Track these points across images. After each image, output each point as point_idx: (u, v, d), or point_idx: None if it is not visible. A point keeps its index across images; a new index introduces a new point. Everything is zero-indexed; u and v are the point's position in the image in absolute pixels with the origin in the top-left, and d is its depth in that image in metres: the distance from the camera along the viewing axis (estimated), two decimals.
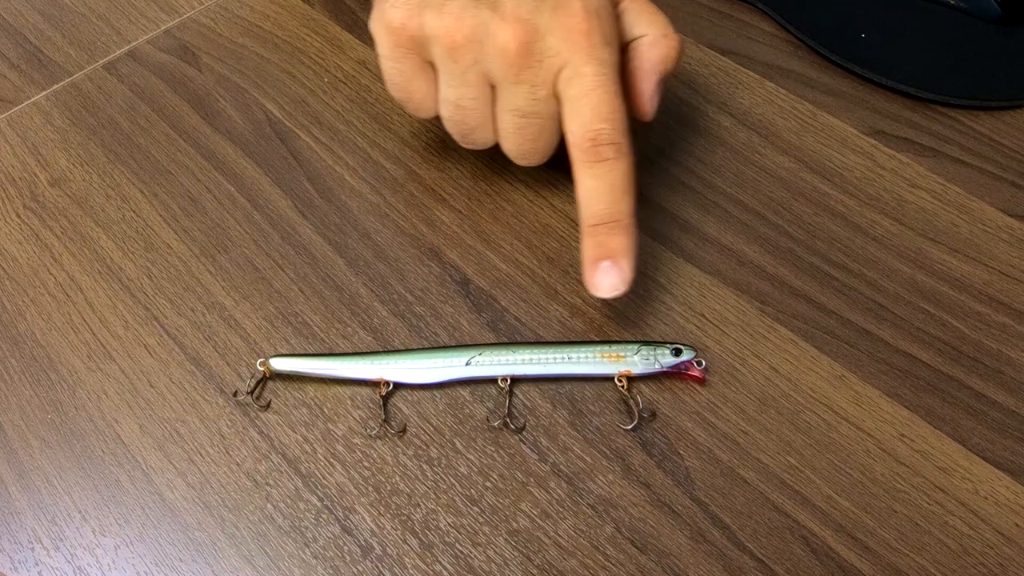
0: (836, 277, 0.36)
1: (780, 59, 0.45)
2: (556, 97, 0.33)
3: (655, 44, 0.36)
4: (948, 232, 0.38)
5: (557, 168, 0.41)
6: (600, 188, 0.33)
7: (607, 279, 0.33)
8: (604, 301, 0.36)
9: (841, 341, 0.34)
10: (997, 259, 0.37)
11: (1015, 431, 0.32)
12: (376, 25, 0.35)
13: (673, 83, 0.44)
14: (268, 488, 0.32)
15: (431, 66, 0.35)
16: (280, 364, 0.34)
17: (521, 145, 0.36)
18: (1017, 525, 0.30)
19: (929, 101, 0.43)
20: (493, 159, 0.41)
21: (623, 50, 0.36)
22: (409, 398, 0.34)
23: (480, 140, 0.37)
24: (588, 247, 0.33)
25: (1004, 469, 0.31)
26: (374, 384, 0.34)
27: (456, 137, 0.37)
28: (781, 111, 0.43)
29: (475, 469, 0.32)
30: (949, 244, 0.37)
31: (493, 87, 0.34)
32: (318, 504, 0.31)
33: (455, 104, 0.35)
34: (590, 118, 0.32)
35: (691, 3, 0.48)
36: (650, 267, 0.37)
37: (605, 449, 0.32)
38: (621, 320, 0.35)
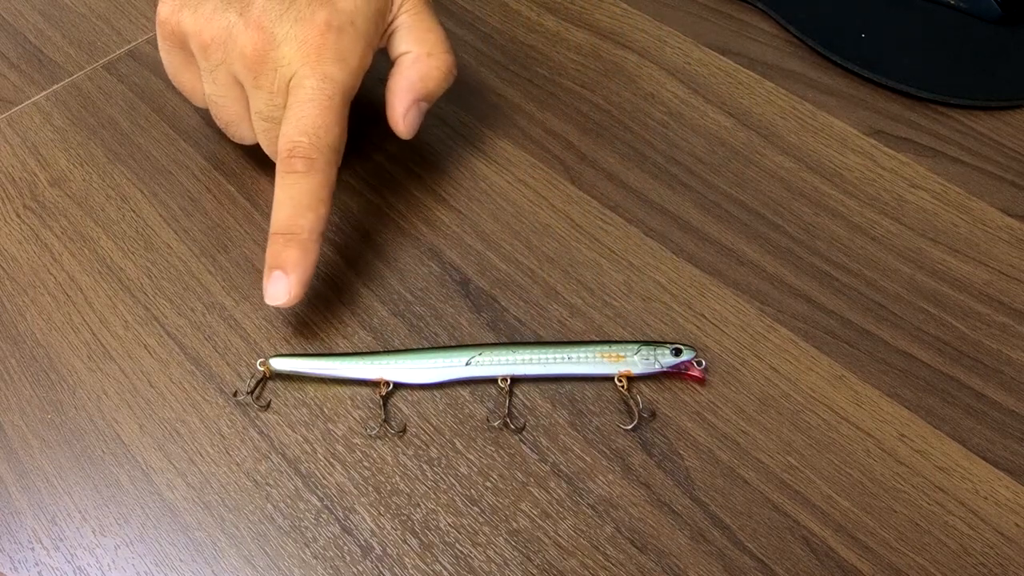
0: (836, 277, 0.36)
1: (780, 59, 0.45)
2: None
3: (416, 62, 0.36)
4: (948, 232, 0.38)
5: (557, 169, 0.41)
6: (285, 199, 0.33)
7: (272, 287, 0.33)
8: (602, 301, 0.36)
9: (841, 341, 0.34)
10: (997, 259, 0.37)
11: (1015, 431, 0.32)
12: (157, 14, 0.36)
13: (673, 83, 0.44)
14: (268, 488, 0.32)
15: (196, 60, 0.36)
16: (280, 364, 0.34)
17: (268, 147, 0.37)
18: (1017, 525, 0.30)
19: (929, 101, 0.43)
20: (493, 159, 0.41)
21: (392, 65, 0.37)
22: (409, 398, 0.34)
23: (239, 135, 0.38)
24: (267, 253, 0.34)
25: (1004, 469, 0.31)
26: (374, 384, 0.34)
27: (221, 127, 0.39)
28: (781, 111, 0.43)
29: (475, 469, 0.32)
30: (949, 244, 0.37)
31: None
32: (318, 504, 0.31)
33: (210, 99, 0.37)
34: (292, 129, 0.33)
35: (691, 3, 0.48)
36: (650, 267, 0.37)
37: (605, 449, 0.32)
38: (621, 320, 0.35)
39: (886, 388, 0.33)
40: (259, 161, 0.42)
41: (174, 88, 0.40)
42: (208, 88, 0.36)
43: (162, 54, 0.38)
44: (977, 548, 0.29)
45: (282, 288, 0.33)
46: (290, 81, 0.33)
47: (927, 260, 0.37)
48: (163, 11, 0.36)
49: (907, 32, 0.45)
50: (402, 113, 0.36)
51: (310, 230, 0.33)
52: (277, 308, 0.35)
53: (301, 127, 0.33)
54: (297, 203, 0.33)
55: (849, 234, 0.38)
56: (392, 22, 0.36)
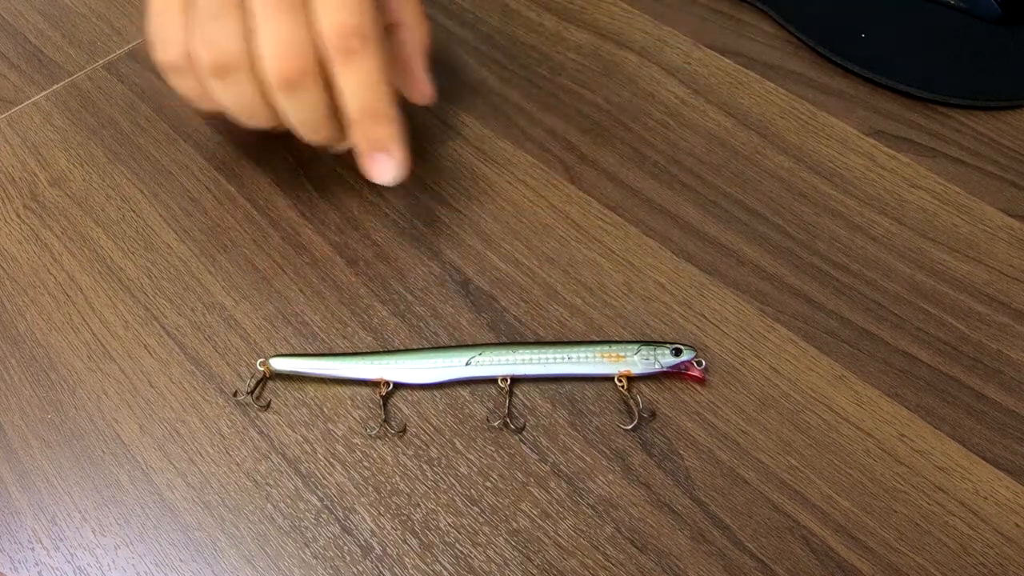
0: (836, 277, 0.36)
1: (780, 59, 0.45)
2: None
3: (414, 30, 0.37)
4: (948, 232, 0.38)
5: (557, 169, 0.41)
6: (354, 82, 0.33)
7: (379, 167, 0.35)
8: (602, 301, 0.36)
9: (841, 341, 0.34)
10: (997, 259, 0.37)
11: (1015, 431, 0.32)
12: None
13: (673, 83, 0.44)
14: (268, 488, 0.32)
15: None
16: (280, 364, 0.34)
17: (281, 44, 0.34)
18: (1017, 525, 0.30)
19: (929, 101, 0.43)
20: (493, 159, 0.41)
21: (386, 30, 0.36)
22: (409, 398, 0.34)
23: (235, 73, 0.35)
24: (358, 141, 0.34)
25: (1004, 469, 0.31)
26: (374, 384, 0.34)
27: (217, 87, 0.35)
28: (781, 111, 0.43)
29: (475, 469, 0.32)
30: (949, 244, 0.37)
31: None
32: (318, 504, 0.31)
33: (207, 28, 0.33)
34: (336, 13, 0.32)
35: (691, 3, 0.48)
36: (650, 267, 0.37)
37: (605, 449, 0.32)
38: (621, 320, 0.35)
39: (886, 388, 0.33)
40: (259, 161, 0.42)
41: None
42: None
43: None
44: (977, 548, 0.29)
45: (391, 164, 0.34)
46: None
47: (927, 260, 0.37)
48: None
49: (907, 32, 0.45)
50: (423, 77, 0.37)
51: (391, 102, 0.34)
52: (385, 188, 0.35)
53: (346, 6, 0.32)
54: (369, 81, 0.33)
55: (849, 234, 0.38)
56: None
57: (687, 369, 0.33)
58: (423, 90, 0.38)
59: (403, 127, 0.34)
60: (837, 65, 0.44)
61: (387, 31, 0.36)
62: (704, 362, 0.34)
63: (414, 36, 0.37)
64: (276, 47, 0.33)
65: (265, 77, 0.33)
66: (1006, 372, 0.33)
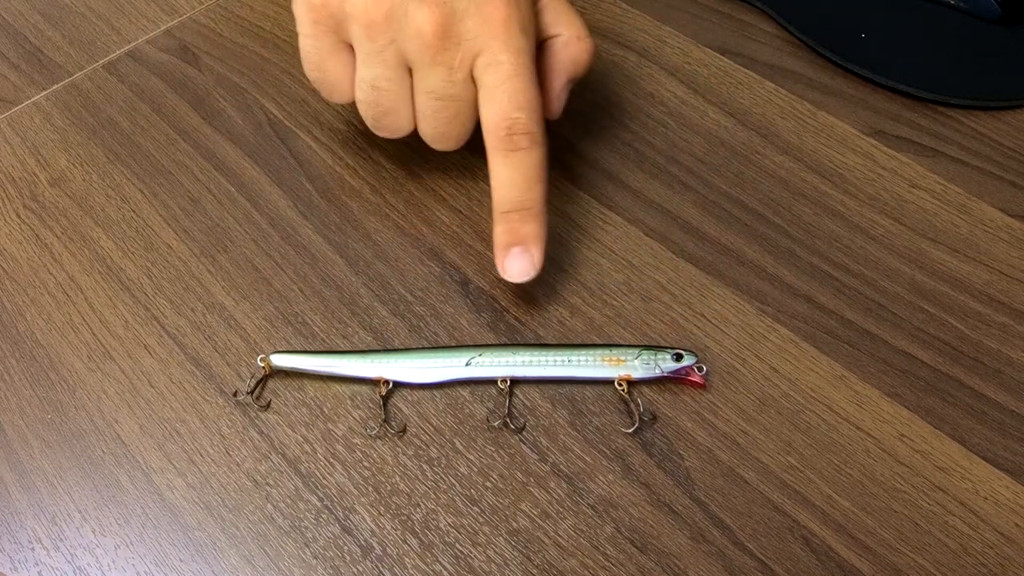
0: (836, 277, 0.36)
1: (780, 59, 0.45)
2: (473, 81, 0.34)
3: (568, 45, 0.36)
4: (948, 232, 0.38)
5: (557, 169, 0.41)
6: (513, 176, 0.33)
7: (517, 265, 0.34)
8: (602, 301, 0.36)
9: (841, 341, 0.34)
10: (997, 259, 0.37)
11: (1015, 431, 0.32)
12: (297, 1, 0.35)
13: (673, 83, 0.44)
14: (268, 488, 0.32)
15: (349, 47, 0.35)
16: (281, 360, 0.34)
17: (437, 128, 0.36)
18: (1017, 525, 0.30)
19: (929, 101, 0.43)
20: None
21: (537, 47, 0.36)
22: (409, 398, 0.34)
23: (393, 125, 0.37)
24: (499, 233, 0.34)
25: (1004, 469, 0.31)
26: (374, 383, 0.34)
27: (369, 122, 0.37)
28: (781, 111, 0.43)
29: (475, 469, 0.32)
30: (949, 244, 0.37)
31: (410, 69, 0.34)
32: (318, 504, 0.31)
33: (371, 85, 0.35)
34: (506, 106, 0.33)
35: (691, 3, 0.48)
36: (650, 267, 0.37)
37: (605, 449, 0.32)
38: (620, 320, 0.35)
39: (886, 388, 0.33)
40: (260, 161, 0.42)
41: (179, 84, 0.40)
42: (372, 72, 0.34)
43: (308, 42, 0.35)
44: (977, 548, 0.29)
45: (527, 262, 0.34)
46: (477, 59, 0.33)
47: (927, 260, 0.37)
48: None
49: (907, 32, 0.45)
50: (556, 95, 0.37)
51: (542, 201, 0.34)
52: (518, 284, 0.35)
53: (516, 103, 0.33)
54: (527, 178, 0.33)
55: (849, 234, 0.38)
56: (539, 1, 0.36)
57: (688, 374, 0.33)
58: (553, 108, 0.37)
59: (547, 233, 0.34)
60: (837, 65, 0.44)
61: (543, 43, 0.36)
62: (705, 367, 0.34)
63: (566, 51, 0.36)
64: (436, 127, 0.35)
65: (421, 132, 0.36)
66: (1006, 372, 0.33)
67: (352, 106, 0.37)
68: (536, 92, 0.33)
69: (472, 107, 0.34)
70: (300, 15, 0.35)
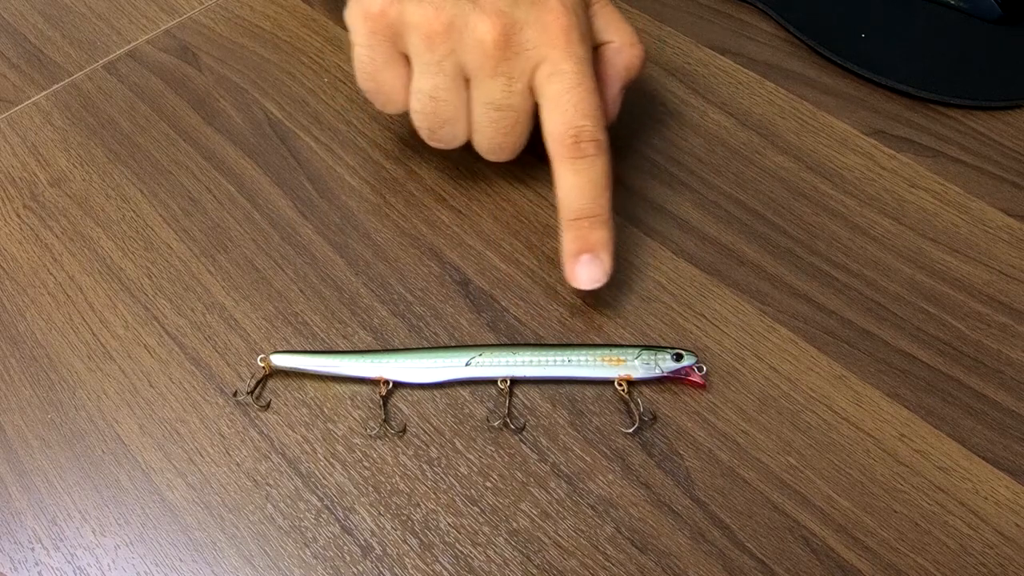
0: (836, 277, 0.36)
1: (780, 59, 0.45)
2: (531, 91, 0.34)
3: (622, 51, 0.36)
4: (948, 232, 0.38)
5: None
6: (581, 184, 0.33)
7: (587, 272, 0.34)
8: (603, 302, 0.36)
9: (841, 341, 0.34)
10: (997, 259, 0.37)
11: (1015, 431, 0.32)
12: (353, 11, 0.35)
13: (673, 83, 0.44)
14: (268, 488, 0.32)
15: (404, 58, 0.35)
16: (281, 360, 0.34)
17: (494, 139, 0.36)
18: (1017, 525, 0.30)
19: (929, 101, 0.43)
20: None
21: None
22: (409, 398, 0.34)
23: (449, 136, 0.37)
24: (569, 240, 0.34)
25: (1004, 469, 0.31)
26: (374, 383, 0.34)
27: (424, 132, 0.37)
28: (781, 111, 0.43)
29: (475, 469, 0.32)
30: (949, 244, 0.37)
31: (467, 80, 0.34)
32: (318, 504, 0.31)
33: (429, 95, 0.35)
34: (572, 114, 0.33)
35: (691, 3, 0.48)
36: (650, 267, 0.37)
37: (605, 449, 0.32)
38: (621, 320, 0.35)
39: (886, 388, 0.33)
40: (259, 161, 0.42)
41: (179, 84, 0.40)
42: (430, 82, 0.34)
43: (364, 52, 0.35)
44: (977, 548, 0.29)
45: (598, 269, 0.34)
46: (537, 67, 0.33)
47: (927, 260, 0.37)
48: (376, 3, 0.34)
49: (907, 32, 0.45)
50: (613, 99, 0.37)
51: (609, 208, 0.34)
52: (591, 295, 0.35)
53: (582, 111, 0.33)
54: (594, 185, 0.33)
55: (849, 234, 0.38)
56: (590, 8, 0.36)
57: (688, 374, 0.33)
58: (610, 113, 0.37)
59: (615, 239, 0.34)
60: (837, 65, 0.44)
61: (596, 50, 0.36)
62: (705, 368, 0.34)
63: (620, 58, 0.36)
64: (494, 138, 0.36)
65: (476, 144, 0.36)
66: (1006, 372, 0.33)
67: (401, 116, 0.37)
68: (599, 100, 0.33)
69: (529, 117, 0.35)
70: (355, 25, 0.35)
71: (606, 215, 0.34)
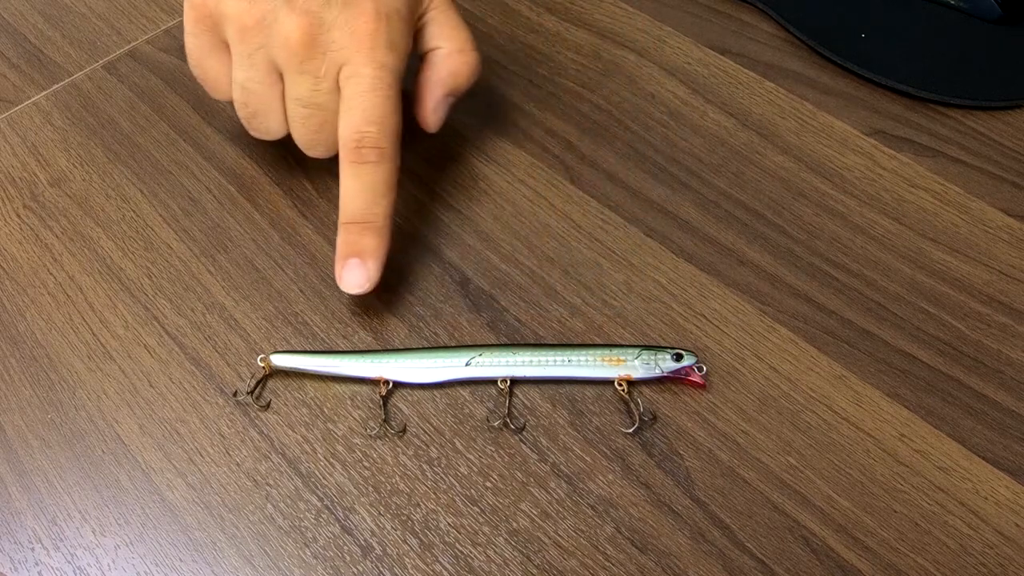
0: (836, 277, 0.36)
1: (780, 59, 0.45)
2: (339, 91, 0.34)
3: (447, 58, 0.37)
4: (948, 232, 0.38)
5: (558, 169, 0.41)
6: (358, 189, 0.34)
7: (352, 276, 0.34)
8: (603, 300, 0.36)
9: (841, 341, 0.34)
10: (997, 259, 0.37)
11: (1015, 431, 0.32)
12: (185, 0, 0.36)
13: (673, 83, 0.44)
14: (268, 488, 0.32)
15: (227, 47, 0.36)
16: (281, 360, 0.34)
17: (306, 135, 0.36)
18: (1017, 525, 0.30)
19: (929, 101, 0.43)
20: (493, 159, 0.41)
21: (421, 59, 0.37)
22: (409, 398, 0.34)
23: (263, 128, 0.37)
24: (340, 243, 0.35)
25: (1004, 469, 0.31)
26: (374, 383, 0.34)
27: (243, 122, 0.38)
28: (781, 111, 0.43)
29: (475, 469, 0.32)
30: (949, 244, 0.37)
31: (281, 75, 0.35)
32: (318, 504, 0.31)
33: (242, 86, 0.36)
34: (359, 119, 0.33)
35: (691, 3, 0.48)
36: (650, 267, 0.37)
37: (605, 449, 0.32)
38: (621, 320, 0.35)
39: (886, 388, 0.33)
40: (259, 161, 0.42)
41: (179, 84, 0.40)
42: (242, 74, 0.35)
43: (188, 39, 0.36)
44: (977, 548, 0.29)
45: (362, 274, 0.34)
46: (341, 69, 0.33)
47: (927, 260, 0.37)
48: None
49: (907, 32, 0.45)
50: (432, 107, 0.37)
51: (385, 216, 0.34)
52: (353, 296, 0.36)
53: (367, 117, 0.33)
54: (371, 191, 0.34)
55: (849, 234, 0.38)
56: (423, 16, 0.36)
57: (688, 374, 0.33)
58: (429, 121, 0.38)
59: (388, 248, 0.34)
60: (837, 65, 0.44)
61: (424, 56, 0.37)
62: (705, 368, 0.34)
63: (445, 64, 0.37)
64: (305, 134, 0.36)
65: (294, 139, 0.36)
66: (1006, 372, 0.33)
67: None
68: (391, 108, 0.34)
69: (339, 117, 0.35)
70: (185, 13, 0.36)
71: (380, 222, 0.34)
